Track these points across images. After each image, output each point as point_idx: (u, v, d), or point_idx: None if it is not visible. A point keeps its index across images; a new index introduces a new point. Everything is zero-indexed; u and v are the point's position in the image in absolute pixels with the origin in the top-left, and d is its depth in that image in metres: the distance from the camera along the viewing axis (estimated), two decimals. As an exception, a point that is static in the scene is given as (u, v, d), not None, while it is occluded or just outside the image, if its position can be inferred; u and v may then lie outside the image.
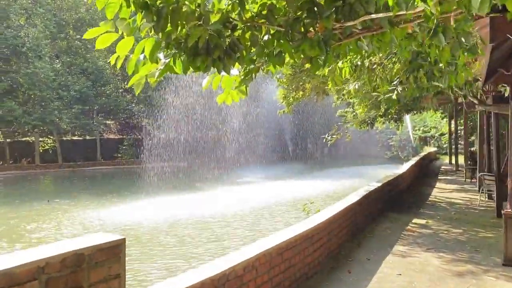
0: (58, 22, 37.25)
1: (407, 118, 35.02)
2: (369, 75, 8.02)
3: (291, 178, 26.51)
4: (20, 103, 34.79)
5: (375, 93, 8.72)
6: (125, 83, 47.77)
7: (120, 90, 45.75)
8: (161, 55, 3.14)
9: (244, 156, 35.24)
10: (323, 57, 3.59)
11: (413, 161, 21.02)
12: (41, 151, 41.28)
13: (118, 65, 3.09)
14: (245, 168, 32.07)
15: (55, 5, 37.53)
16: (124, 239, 3.56)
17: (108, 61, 3.65)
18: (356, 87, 8.10)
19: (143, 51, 3.02)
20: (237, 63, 3.17)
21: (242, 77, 4.31)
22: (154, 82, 3.37)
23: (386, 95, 9.10)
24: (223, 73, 3.23)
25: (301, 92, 13.16)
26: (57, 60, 37.51)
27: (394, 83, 8.11)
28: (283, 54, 3.43)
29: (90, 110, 40.68)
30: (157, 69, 3.24)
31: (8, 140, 40.94)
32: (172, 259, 10.22)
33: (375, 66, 8.00)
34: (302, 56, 3.65)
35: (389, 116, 18.56)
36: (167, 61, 3.14)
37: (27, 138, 42.22)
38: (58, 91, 36.42)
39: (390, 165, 33.04)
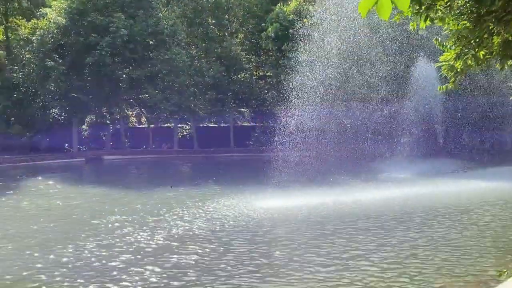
0: (195, 7, 37.40)
1: None
2: None
3: (449, 176, 21.58)
4: (160, 89, 35.80)
5: None
6: (259, 70, 46.80)
7: (254, 77, 44.78)
8: None
9: (384, 147, 30.73)
10: None
11: None
12: (179, 136, 42.61)
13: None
14: (387, 161, 27.70)
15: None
16: None
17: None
18: None
19: None
20: None
21: None
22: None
23: None
24: None
25: (482, 52, 9.00)
26: (193, 46, 37.77)
27: None
28: None
29: (225, 97, 40.36)
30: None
31: (151, 125, 43.18)
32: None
33: None
34: None
35: None
36: None
37: (168, 124, 44.04)
38: (193, 78, 36.63)
39: None
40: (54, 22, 33.56)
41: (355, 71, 32.02)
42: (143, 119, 45.93)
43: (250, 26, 42.87)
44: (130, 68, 35.19)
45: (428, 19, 9.80)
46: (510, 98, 17.64)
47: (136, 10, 34.85)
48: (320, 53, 33.68)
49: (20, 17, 40.14)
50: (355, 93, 32.20)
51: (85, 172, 28.03)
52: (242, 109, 48.45)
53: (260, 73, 46.53)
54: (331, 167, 26.69)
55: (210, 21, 39.51)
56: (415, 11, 9.75)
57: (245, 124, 49.62)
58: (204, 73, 36.83)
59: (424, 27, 10.22)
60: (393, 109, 31.46)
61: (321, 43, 33.26)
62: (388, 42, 30.55)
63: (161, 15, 36.68)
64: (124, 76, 34.70)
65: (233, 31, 41.43)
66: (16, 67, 35.91)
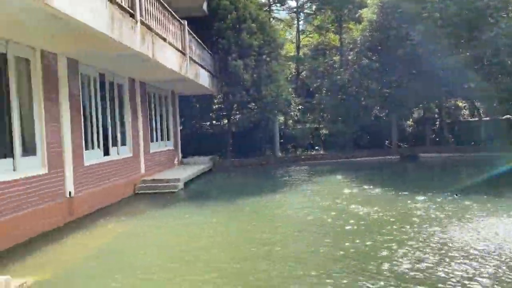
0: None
1: None
2: None
3: None
4: (485, 75, 29.68)
5: None
6: None
7: None
8: None
9: None
10: None
11: None
12: (522, 130, 34.16)
13: None
14: None
15: None
16: None
17: None
18: None
19: None
20: None
21: None
22: None
23: None
24: None
25: None
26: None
27: None
28: None
29: None
30: None
31: (484, 118, 36.87)
32: None
33: None
34: None
35: None
36: None
37: (509, 116, 36.25)
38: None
39: None
40: (367, 20, 33.73)
41: None
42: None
43: None
44: (448, 55, 30.75)
45: None
46: None
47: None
48: None
49: (352, 22, 42.64)
50: None
51: (391, 170, 27.53)
52: None
53: None
54: None
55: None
56: None
57: None
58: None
59: None
60: None
61: None
62: None
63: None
64: (440, 65, 30.70)
65: None
66: (341, 69, 38.35)
